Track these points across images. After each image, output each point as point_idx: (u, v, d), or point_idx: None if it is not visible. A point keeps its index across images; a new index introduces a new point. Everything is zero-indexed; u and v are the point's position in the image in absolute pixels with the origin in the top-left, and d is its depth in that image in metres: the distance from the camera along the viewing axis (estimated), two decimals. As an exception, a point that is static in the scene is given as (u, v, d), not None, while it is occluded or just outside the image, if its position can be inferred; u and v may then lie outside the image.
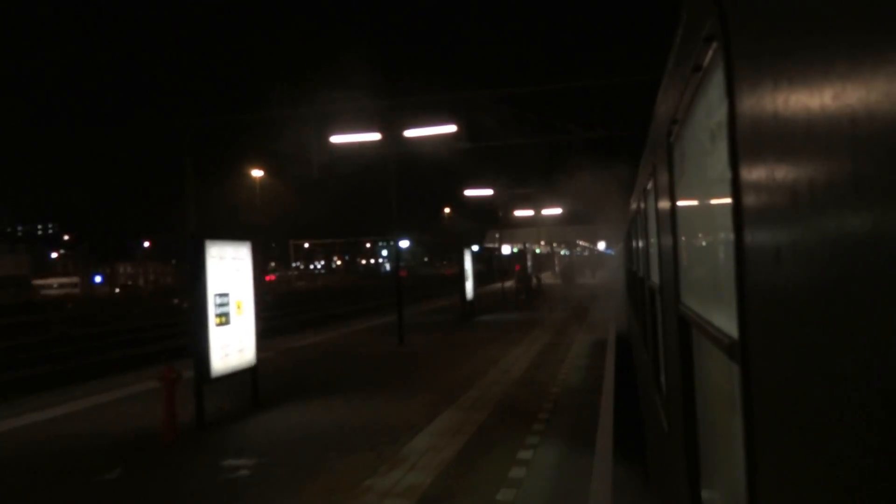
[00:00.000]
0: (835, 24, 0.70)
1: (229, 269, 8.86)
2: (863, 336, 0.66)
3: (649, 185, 4.08)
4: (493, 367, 12.15)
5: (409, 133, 15.78)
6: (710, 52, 1.58)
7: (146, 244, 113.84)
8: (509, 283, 39.70)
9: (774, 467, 1.06)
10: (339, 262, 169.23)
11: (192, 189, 19.07)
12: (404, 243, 48.28)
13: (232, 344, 8.83)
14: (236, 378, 9.14)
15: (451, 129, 15.59)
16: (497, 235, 39.77)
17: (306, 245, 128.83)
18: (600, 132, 19.35)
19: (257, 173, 67.28)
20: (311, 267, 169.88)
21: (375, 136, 16.28)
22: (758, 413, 1.15)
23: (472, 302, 23.12)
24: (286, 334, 21.42)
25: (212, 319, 8.41)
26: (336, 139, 16.48)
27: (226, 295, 8.75)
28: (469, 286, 22.97)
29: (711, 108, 1.69)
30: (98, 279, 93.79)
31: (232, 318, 8.86)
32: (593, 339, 15.86)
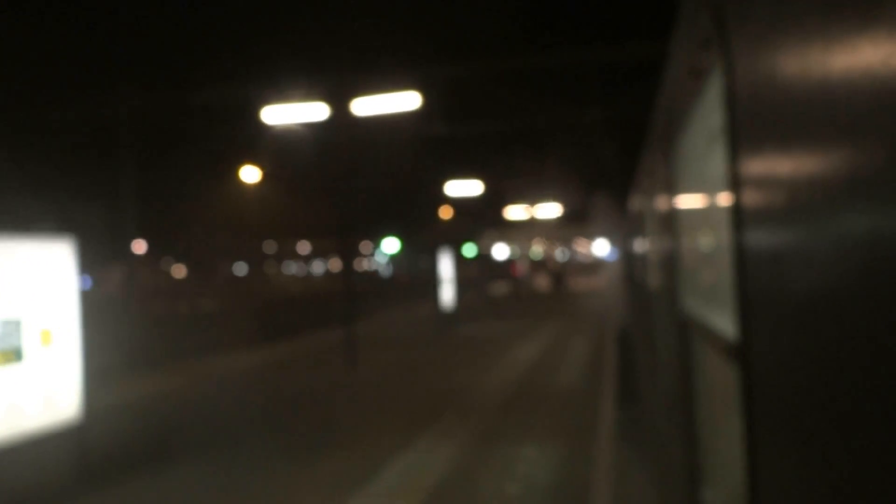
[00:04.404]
0: (835, 29, 0.69)
1: (25, 280, 5.82)
2: (865, 339, 0.65)
3: (648, 187, 3.91)
4: (450, 408, 9.07)
5: (361, 102, 12.70)
6: (709, 56, 1.55)
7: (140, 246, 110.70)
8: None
9: (776, 472, 1.04)
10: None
11: (129, 176, 16.26)
12: (394, 245, 45.57)
13: (25, 393, 5.78)
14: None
15: (413, 97, 12.52)
16: (486, 235, 36.79)
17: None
18: (596, 113, 16.41)
19: (249, 172, 64.31)
20: (310, 270, 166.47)
21: (324, 109, 13.21)
22: (759, 418, 1.14)
23: (450, 312, 19.94)
24: (235, 348, 18.42)
25: (-23, 359, 5.36)
26: (272, 113, 13.40)
27: (14, 322, 5.70)
28: (448, 293, 19.81)
29: (710, 111, 1.65)
30: (88, 282, 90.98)
31: (26, 353, 5.81)
32: (586, 360, 12.81)
